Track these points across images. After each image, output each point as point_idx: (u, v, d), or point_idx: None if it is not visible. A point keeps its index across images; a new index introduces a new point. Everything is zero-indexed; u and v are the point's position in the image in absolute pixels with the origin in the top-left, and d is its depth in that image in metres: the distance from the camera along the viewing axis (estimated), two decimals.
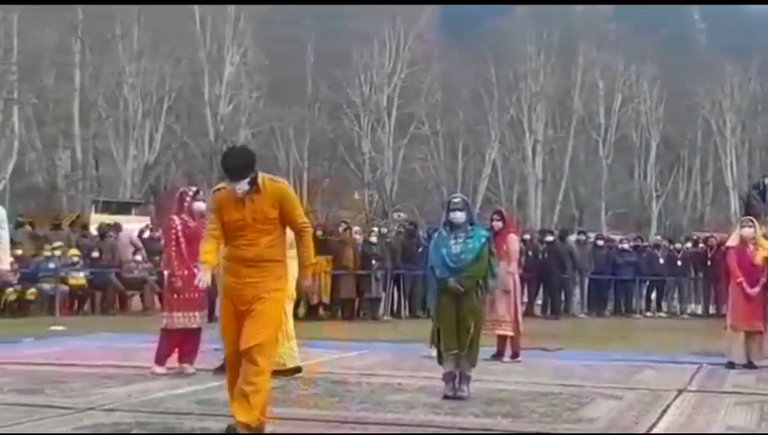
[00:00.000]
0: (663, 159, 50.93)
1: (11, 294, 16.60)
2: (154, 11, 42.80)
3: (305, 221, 6.41)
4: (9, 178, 38.76)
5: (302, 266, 6.59)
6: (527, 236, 20.33)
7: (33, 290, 16.94)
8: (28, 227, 19.24)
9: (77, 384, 8.29)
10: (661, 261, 21.24)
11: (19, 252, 17.14)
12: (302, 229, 6.36)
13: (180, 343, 9.20)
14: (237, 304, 6.19)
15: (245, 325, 6.10)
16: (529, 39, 47.71)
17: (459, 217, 8.20)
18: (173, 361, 9.18)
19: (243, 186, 6.07)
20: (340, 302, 17.98)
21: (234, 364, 6.18)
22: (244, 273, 6.18)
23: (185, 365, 9.14)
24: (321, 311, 17.63)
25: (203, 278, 6.41)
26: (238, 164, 6.09)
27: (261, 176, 6.18)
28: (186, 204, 9.27)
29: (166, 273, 9.42)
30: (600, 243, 21.55)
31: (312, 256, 6.54)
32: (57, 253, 17.55)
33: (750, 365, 10.36)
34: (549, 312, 19.62)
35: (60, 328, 14.15)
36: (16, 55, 38.33)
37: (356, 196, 50.42)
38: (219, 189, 6.33)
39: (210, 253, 6.31)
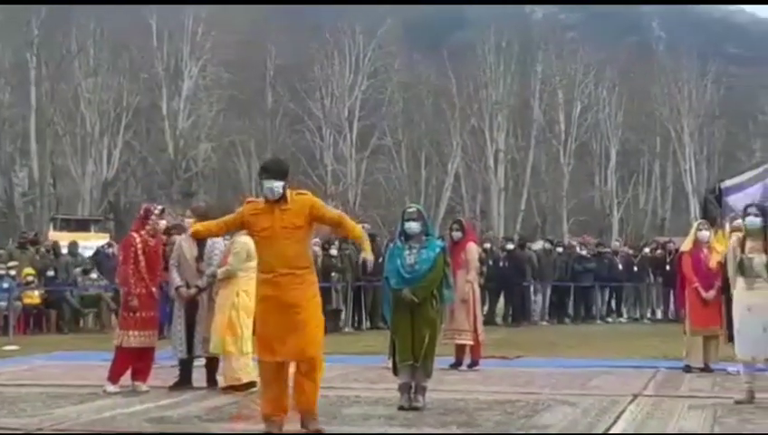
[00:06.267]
0: (623, 165, 51.28)
1: None
2: (111, 26, 42.56)
3: (338, 212, 7.19)
4: None
5: (362, 242, 7.02)
6: (488, 245, 20.31)
7: None
8: None
9: (29, 405, 8.16)
10: (620, 267, 21.33)
11: None
12: (340, 217, 6.95)
13: (134, 361, 9.06)
14: (274, 314, 6.62)
15: (291, 337, 6.67)
16: (488, 48, 47.93)
17: (414, 227, 8.16)
18: (126, 379, 9.05)
19: (277, 187, 6.61)
20: None
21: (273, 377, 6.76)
22: (278, 282, 6.59)
23: (138, 383, 8.99)
24: None
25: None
26: (277, 168, 6.76)
27: (289, 191, 6.68)
28: (150, 221, 9.17)
29: (122, 290, 9.30)
30: (560, 250, 21.60)
31: (361, 231, 7.01)
32: (12, 272, 17.24)
33: (706, 369, 10.40)
34: (510, 320, 19.61)
35: (14, 347, 13.94)
36: None
37: None
38: (252, 201, 6.95)
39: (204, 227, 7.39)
